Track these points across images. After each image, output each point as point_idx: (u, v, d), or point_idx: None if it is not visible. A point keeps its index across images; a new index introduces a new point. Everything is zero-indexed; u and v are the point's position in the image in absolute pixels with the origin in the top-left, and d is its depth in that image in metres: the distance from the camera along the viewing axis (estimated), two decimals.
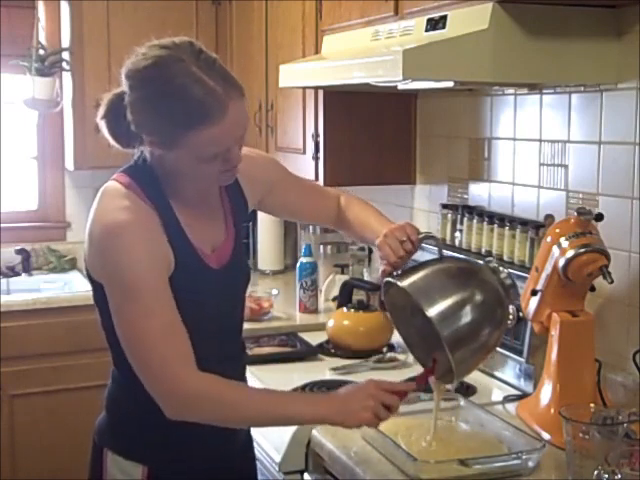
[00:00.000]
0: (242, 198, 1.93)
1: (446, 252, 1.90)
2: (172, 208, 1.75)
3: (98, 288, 1.74)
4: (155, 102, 1.64)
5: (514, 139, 2.54)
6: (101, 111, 1.75)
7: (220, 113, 1.62)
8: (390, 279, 1.80)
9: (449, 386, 1.90)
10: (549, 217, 2.33)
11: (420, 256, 1.92)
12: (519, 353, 2.28)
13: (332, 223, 2.15)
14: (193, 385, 1.64)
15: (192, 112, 1.61)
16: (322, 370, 2.55)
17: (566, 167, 2.32)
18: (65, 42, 3.94)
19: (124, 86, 1.68)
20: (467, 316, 1.71)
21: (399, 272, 1.82)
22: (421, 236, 1.85)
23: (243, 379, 1.94)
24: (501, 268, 1.81)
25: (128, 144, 1.75)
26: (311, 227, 3.67)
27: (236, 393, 1.70)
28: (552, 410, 1.94)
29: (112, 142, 1.76)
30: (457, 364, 1.70)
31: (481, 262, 1.88)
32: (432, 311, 1.69)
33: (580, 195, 2.27)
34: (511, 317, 2.20)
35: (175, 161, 1.70)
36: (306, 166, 3.01)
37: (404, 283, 1.76)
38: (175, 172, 1.74)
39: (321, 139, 2.96)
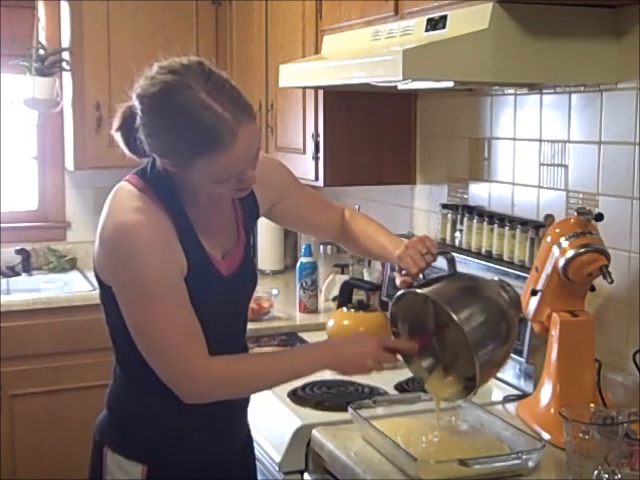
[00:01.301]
0: (255, 204, 1.92)
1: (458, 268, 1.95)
2: (186, 213, 1.74)
3: (105, 288, 1.74)
4: (164, 129, 1.63)
5: (514, 139, 2.54)
6: (116, 123, 1.74)
7: (230, 140, 1.60)
8: (411, 289, 1.83)
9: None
10: (549, 217, 2.33)
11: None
12: (519, 353, 2.28)
13: (334, 234, 2.14)
14: (212, 374, 1.69)
15: (201, 140, 1.60)
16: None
17: (566, 167, 2.32)
18: (65, 42, 3.94)
19: (136, 107, 1.66)
20: (486, 326, 1.75)
21: (417, 283, 1.85)
22: (440, 250, 1.90)
23: None
24: (509, 287, 1.86)
25: (143, 155, 1.74)
26: None
27: (251, 366, 1.77)
28: (552, 410, 1.94)
29: (128, 153, 1.75)
30: (480, 369, 1.71)
31: (492, 279, 1.95)
32: (460, 316, 1.72)
33: (580, 195, 2.27)
34: None
35: (188, 179, 1.70)
36: (306, 166, 3.01)
37: (426, 291, 1.79)
38: (189, 186, 1.73)
39: (321, 139, 2.96)
